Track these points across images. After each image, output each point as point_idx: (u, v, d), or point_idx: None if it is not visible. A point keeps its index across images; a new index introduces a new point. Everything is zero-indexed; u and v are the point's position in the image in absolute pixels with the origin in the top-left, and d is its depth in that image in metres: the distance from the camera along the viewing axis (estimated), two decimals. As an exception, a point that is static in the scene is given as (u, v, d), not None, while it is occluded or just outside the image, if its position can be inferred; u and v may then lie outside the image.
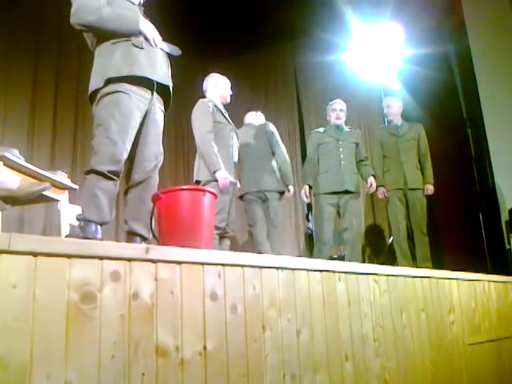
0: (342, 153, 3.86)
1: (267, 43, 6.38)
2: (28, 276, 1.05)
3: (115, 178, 2.01)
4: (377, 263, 4.41)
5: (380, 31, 5.30)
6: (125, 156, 2.04)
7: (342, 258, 4.44)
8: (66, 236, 2.15)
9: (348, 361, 1.85)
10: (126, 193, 2.20)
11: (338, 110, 3.98)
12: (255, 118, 3.93)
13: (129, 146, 2.06)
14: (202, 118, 3.08)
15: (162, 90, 2.24)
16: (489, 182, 4.77)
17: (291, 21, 5.67)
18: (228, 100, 3.33)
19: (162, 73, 2.22)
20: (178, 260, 1.37)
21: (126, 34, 2.12)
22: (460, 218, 5.18)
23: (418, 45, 5.23)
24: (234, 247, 3.68)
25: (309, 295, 1.77)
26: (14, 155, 2.47)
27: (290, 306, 1.69)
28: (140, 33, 2.16)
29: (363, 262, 4.40)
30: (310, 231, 5.86)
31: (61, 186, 2.92)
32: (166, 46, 2.31)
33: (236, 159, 3.28)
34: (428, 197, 4.04)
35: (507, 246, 4.21)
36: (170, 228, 1.82)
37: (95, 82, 2.10)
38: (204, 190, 1.89)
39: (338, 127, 3.97)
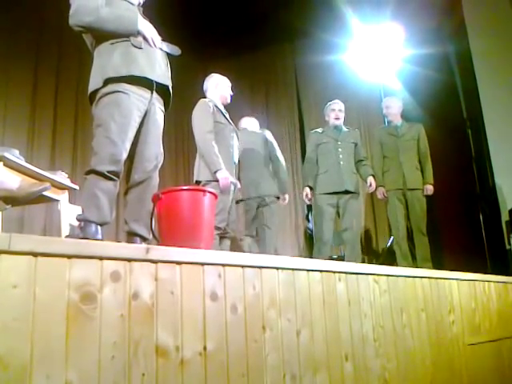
0: (341, 153, 3.86)
1: (267, 44, 6.39)
2: (28, 276, 1.05)
3: (115, 178, 2.01)
4: (377, 263, 4.42)
5: (380, 31, 5.31)
6: (124, 156, 2.04)
7: (341, 258, 4.44)
8: (66, 236, 2.16)
9: (348, 361, 1.85)
10: (126, 193, 2.20)
11: (337, 111, 3.98)
12: (251, 123, 3.96)
13: (128, 146, 2.06)
14: (202, 118, 3.08)
15: (161, 89, 2.24)
16: (489, 181, 4.77)
17: (291, 21, 5.68)
18: (228, 100, 3.34)
19: (162, 72, 2.22)
20: (178, 260, 1.37)
21: (125, 35, 2.13)
22: (460, 218, 5.18)
23: (418, 45, 5.24)
24: (234, 247, 3.67)
25: (309, 295, 1.77)
26: (14, 155, 2.48)
27: (290, 306, 1.69)
28: (139, 33, 2.16)
29: (363, 262, 4.40)
30: (309, 231, 5.86)
31: (61, 187, 2.93)
32: (165, 46, 2.31)
33: (236, 160, 3.28)
34: (428, 197, 4.04)
35: (507, 246, 4.21)
36: (170, 228, 1.82)
37: (94, 82, 2.11)
38: (204, 191, 1.89)
39: (336, 127, 3.97)
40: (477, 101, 4.58)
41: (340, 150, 3.87)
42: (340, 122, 3.99)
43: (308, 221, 6.04)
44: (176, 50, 2.36)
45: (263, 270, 1.62)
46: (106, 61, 2.09)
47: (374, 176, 3.95)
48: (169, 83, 2.27)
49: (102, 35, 2.13)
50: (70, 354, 1.07)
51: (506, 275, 3.39)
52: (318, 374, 1.70)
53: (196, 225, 1.81)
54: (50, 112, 4.85)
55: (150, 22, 2.27)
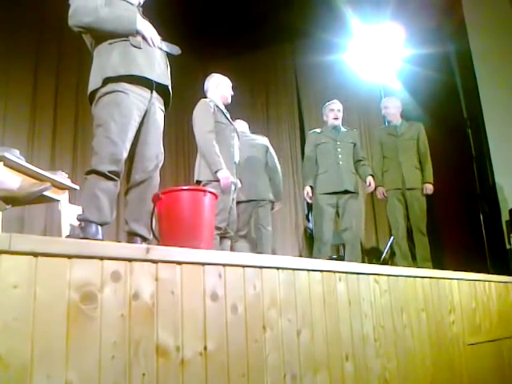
0: (340, 153, 3.86)
1: (267, 44, 6.39)
2: (28, 276, 1.05)
3: (116, 178, 2.01)
4: (377, 263, 4.42)
5: (380, 31, 5.30)
6: (125, 156, 2.04)
7: (341, 258, 4.45)
8: (67, 236, 2.16)
9: (348, 361, 1.85)
10: (126, 193, 2.20)
11: (335, 111, 3.98)
12: (244, 126, 4.03)
13: (129, 146, 2.06)
14: (203, 117, 3.08)
15: (161, 89, 2.24)
16: (489, 181, 4.76)
17: (291, 21, 5.68)
18: (229, 100, 3.33)
19: (161, 72, 2.22)
20: (178, 260, 1.37)
21: (124, 34, 2.13)
22: (460, 217, 5.18)
23: (418, 45, 5.23)
24: (235, 247, 3.68)
25: (309, 295, 1.77)
26: (15, 155, 2.48)
27: (291, 306, 1.69)
28: (138, 32, 2.16)
29: (363, 262, 4.40)
30: (310, 231, 5.87)
31: (61, 187, 2.93)
32: (165, 46, 2.31)
33: (237, 159, 3.28)
34: (428, 196, 4.03)
35: (507, 246, 4.21)
36: (171, 228, 1.82)
37: (94, 81, 2.11)
38: (204, 191, 1.89)
39: (335, 127, 3.96)
40: (477, 100, 4.58)
41: (339, 150, 3.87)
42: (339, 122, 3.99)
43: (308, 220, 6.04)
44: (176, 50, 2.36)
45: (264, 269, 1.62)
46: (105, 60, 2.09)
47: (373, 176, 3.95)
48: (168, 83, 2.27)
49: (102, 35, 2.13)
50: (71, 354, 1.07)
51: (507, 275, 3.39)
52: (318, 374, 1.70)
53: (196, 225, 1.81)
54: (50, 112, 4.85)
55: (150, 22, 2.27)
